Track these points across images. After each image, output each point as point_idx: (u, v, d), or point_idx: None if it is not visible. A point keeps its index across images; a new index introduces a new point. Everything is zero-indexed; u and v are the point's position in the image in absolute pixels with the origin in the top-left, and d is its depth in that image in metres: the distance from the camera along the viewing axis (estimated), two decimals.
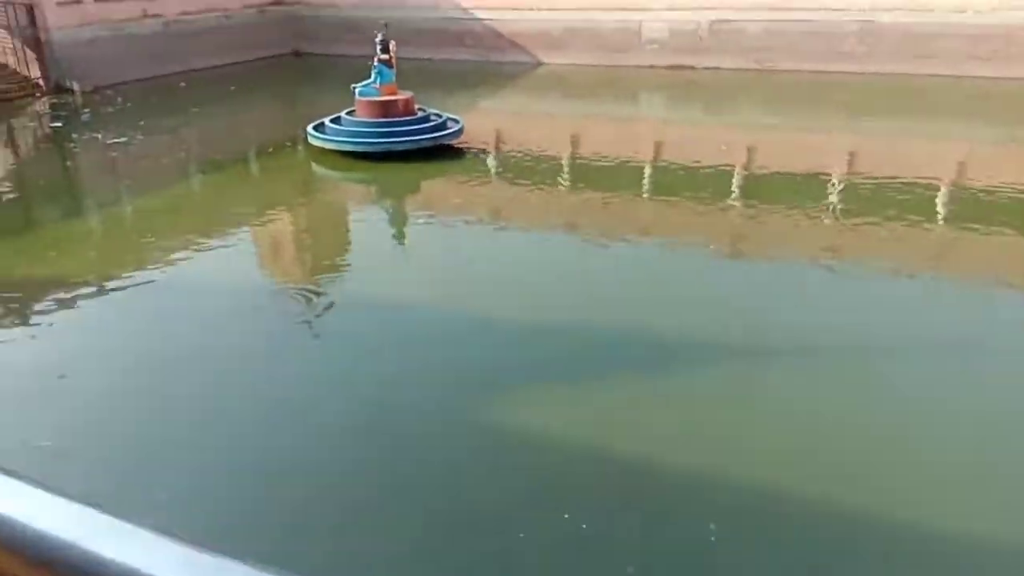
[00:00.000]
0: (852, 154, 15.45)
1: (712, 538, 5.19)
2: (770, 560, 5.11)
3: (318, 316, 8.78)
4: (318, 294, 9.45)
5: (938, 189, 12.79)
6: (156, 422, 6.72)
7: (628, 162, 15.30)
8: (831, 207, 12.08)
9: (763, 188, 13.14)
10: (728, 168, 14.36)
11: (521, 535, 5.26)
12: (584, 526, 5.32)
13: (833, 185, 13.16)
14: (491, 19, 27.31)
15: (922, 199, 12.33)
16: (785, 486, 5.73)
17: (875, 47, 22.70)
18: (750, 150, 15.87)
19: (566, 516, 5.41)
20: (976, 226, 11.15)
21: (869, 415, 6.60)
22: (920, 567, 5.12)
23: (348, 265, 10.67)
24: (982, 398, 6.80)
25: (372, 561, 5.17)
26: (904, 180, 13.33)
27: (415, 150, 14.64)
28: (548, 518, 5.40)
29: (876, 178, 13.53)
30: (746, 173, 14.13)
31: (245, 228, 12.01)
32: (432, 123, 15.37)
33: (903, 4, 22.14)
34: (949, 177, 13.49)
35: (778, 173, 13.97)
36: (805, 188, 12.99)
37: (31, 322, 8.68)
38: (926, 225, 11.21)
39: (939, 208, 11.96)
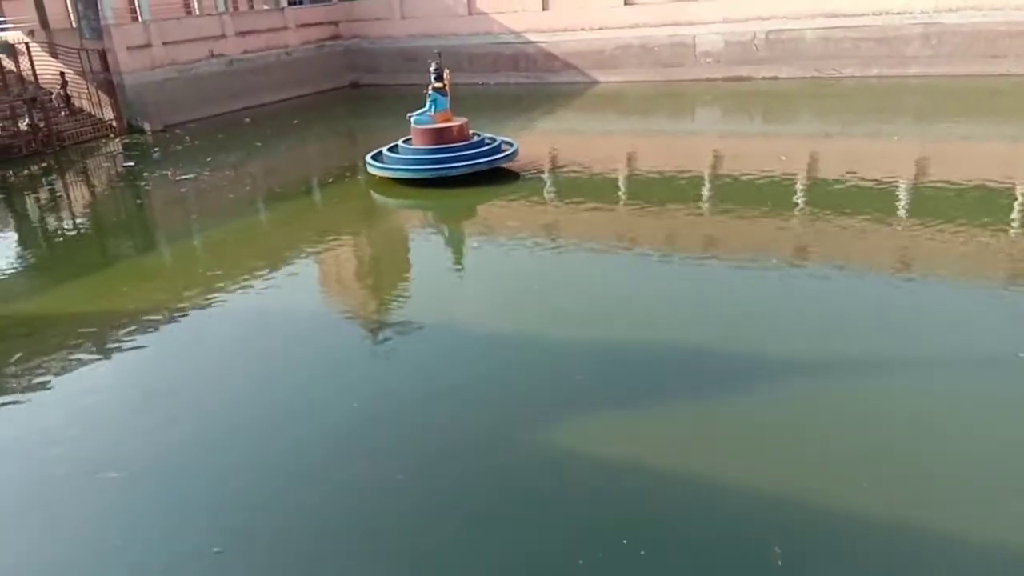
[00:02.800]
0: (921, 160, 14.92)
1: (779, 561, 5.01)
2: None
3: (380, 340, 8.87)
4: (380, 318, 9.53)
5: (1016, 194, 12.23)
6: (224, 454, 6.85)
7: (685, 177, 15.07)
8: (900, 215, 11.65)
9: (826, 197, 12.74)
10: (789, 178, 14.03)
11: (581, 562, 5.15)
12: (642, 552, 5.19)
13: (901, 192, 12.70)
14: (543, 41, 27.50)
15: (999, 204, 11.81)
16: (862, 510, 5.48)
17: (941, 49, 22.01)
18: (811, 159, 15.48)
19: (625, 542, 5.29)
20: None
21: (967, 437, 6.30)
22: None
23: (409, 289, 10.76)
24: None
25: None
26: (977, 184, 12.81)
27: (471, 174, 14.78)
28: (608, 543, 5.29)
29: (948, 184, 13.03)
30: (808, 183, 13.77)
31: (308, 256, 12.26)
32: (486, 147, 15.48)
33: (968, 4, 21.43)
34: None
35: (841, 181, 13.55)
36: (871, 197, 12.55)
37: (104, 356, 8.99)
38: (1005, 232, 10.69)
39: (1016, 214, 11.41)
